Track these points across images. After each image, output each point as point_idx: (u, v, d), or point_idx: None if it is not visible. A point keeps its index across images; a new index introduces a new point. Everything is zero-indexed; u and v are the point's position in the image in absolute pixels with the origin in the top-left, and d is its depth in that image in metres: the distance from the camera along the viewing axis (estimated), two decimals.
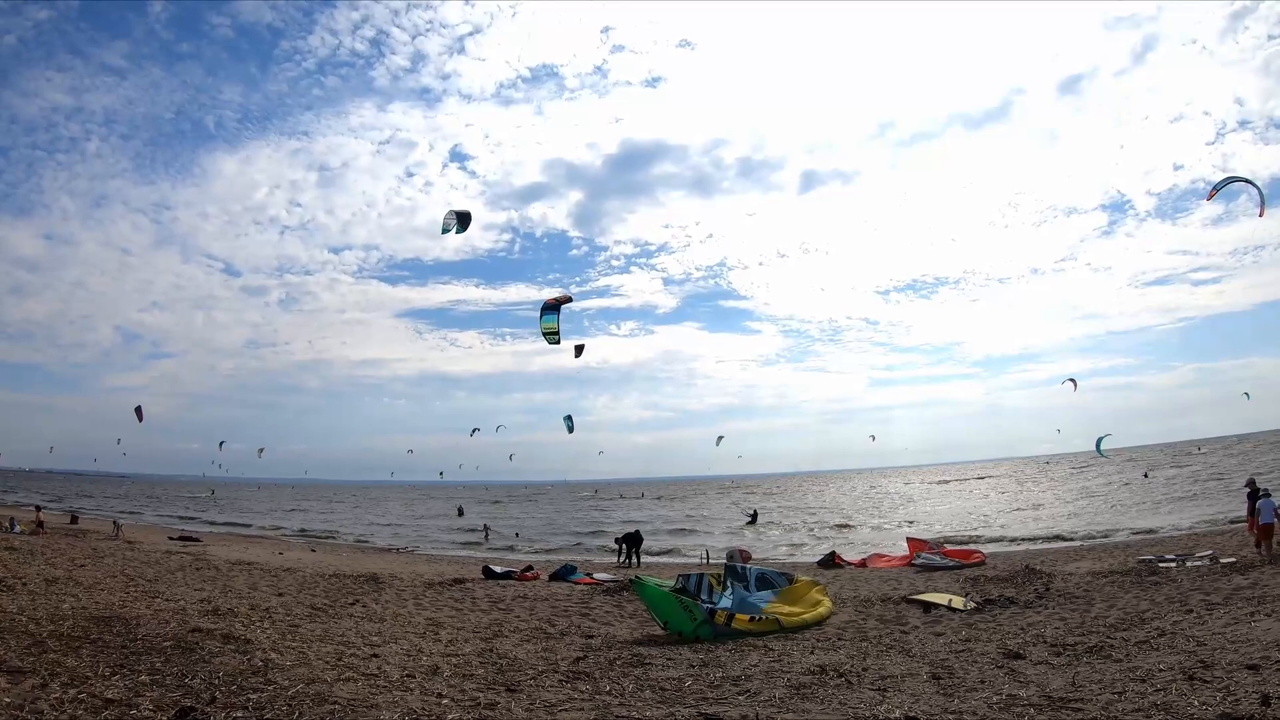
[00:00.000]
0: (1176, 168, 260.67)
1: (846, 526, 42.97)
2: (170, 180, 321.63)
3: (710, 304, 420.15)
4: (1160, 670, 7.63)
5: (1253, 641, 8.42)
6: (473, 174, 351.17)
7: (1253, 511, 16.57)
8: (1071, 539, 27.84)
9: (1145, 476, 58.90)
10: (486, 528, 45.14)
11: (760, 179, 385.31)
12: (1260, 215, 20.88)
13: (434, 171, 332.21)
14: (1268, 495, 16.29)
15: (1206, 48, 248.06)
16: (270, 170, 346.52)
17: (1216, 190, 21.54)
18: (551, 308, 19.75)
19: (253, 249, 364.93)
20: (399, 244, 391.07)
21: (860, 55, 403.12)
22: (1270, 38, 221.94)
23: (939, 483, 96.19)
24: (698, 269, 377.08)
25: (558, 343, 19.78)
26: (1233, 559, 15.68)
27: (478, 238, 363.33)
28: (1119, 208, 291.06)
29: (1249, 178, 20.89)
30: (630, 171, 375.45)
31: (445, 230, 20.05)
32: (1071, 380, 48.07)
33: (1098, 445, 44.06)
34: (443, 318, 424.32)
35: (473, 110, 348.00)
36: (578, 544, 39.03)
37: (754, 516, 48.14)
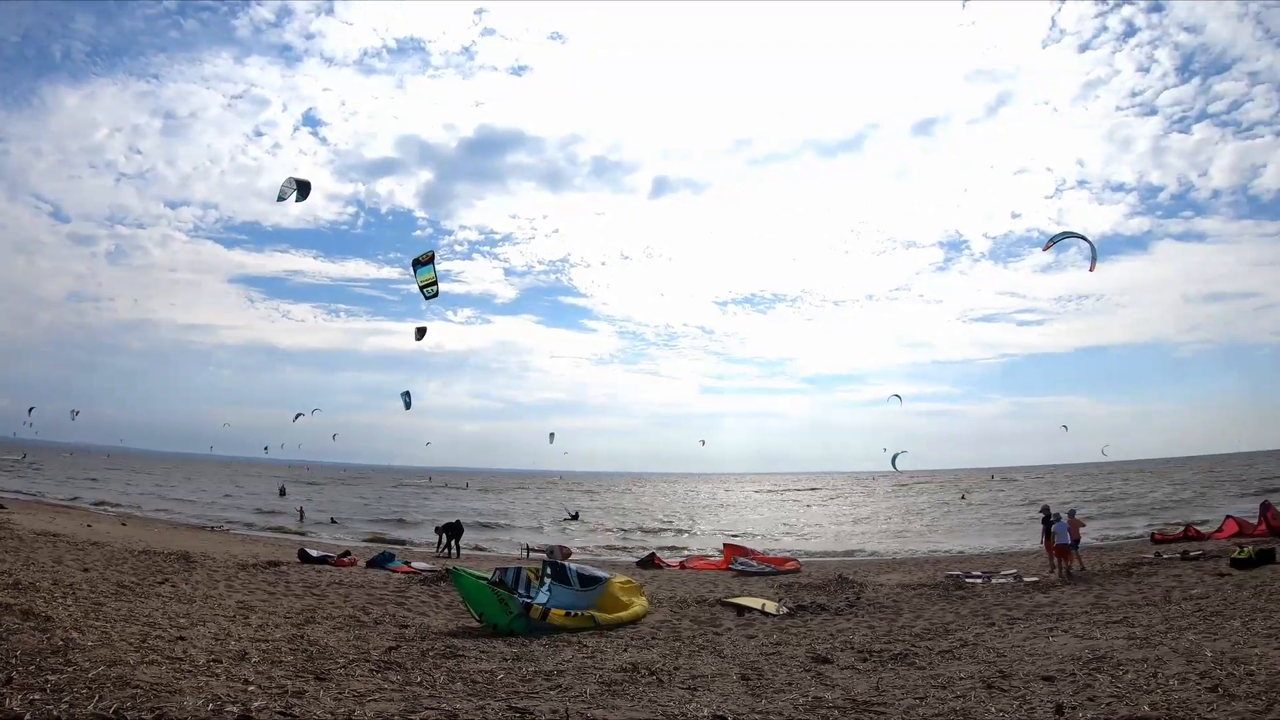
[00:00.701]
0: (1014, 215, 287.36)
1: (668, 529, 43.56)
2: (6, 109, 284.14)
3: (550, 299, 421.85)
4: (961, 679, 7.72)
5: (1050, 655, 8.70)
6: (324, 140, 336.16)
7: (1048, 534, 17.59)
8: (884, 554, 28.96)
9: (963, 499, 63.51)
10: (301, 510, 42.76)
11: (613, 179, 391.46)
12: (1091, 270, 22.16)
13: (284, 133, 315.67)
14: (1059, 519, 17.47)
15: (1058, 110, 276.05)
16: (114, 111, 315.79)
17: (1054, 242, 22.72)
18: (425, 262, 18.87)
19: (85, 194, 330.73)
20: (239, 205, 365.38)
21: (725, 71, 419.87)
22: (1118, 109, 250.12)
23: (764, 492, 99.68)
24: (540, 262, 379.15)
25: (436, 295, 18.92)
26: (1035, 578, 16.58)
27: (320, 208, 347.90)
28: (956, 246, 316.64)
29: (1085, 235, 22.32)
30: (484, 157, 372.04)
31: (282, 198, 19.18)
32: (898, 396, 50.88)
33: (893, 461, 46.73)
34: (277, 287, 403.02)
35: (332, 75, 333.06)
36: (397, 530, 37.79)
37: (575, 514, 48.82)
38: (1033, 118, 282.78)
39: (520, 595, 11.47)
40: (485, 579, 11.77)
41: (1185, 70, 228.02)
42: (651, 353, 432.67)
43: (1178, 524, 26.99)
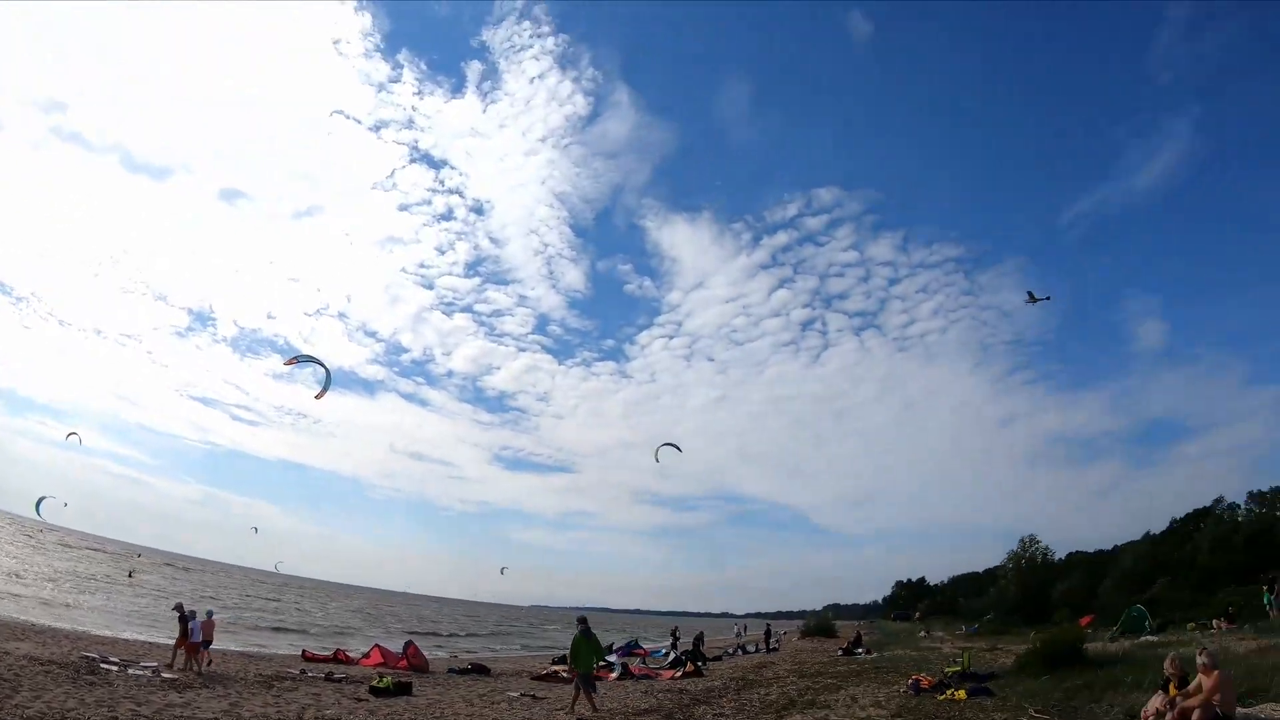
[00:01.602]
0: (270, 316, 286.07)
1: None
2: None
3: None
4: None
5: None
6: None
7: (185, 633, 17.22)
8: (22, 619, 23.75)
9: (130, 575, 57.37)
10: None
11: None
12: (318, 397, 23.88)
13: None
14: (193, 615, 17.47)
15: (356, 244, 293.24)
16: None
17: (295, 360, 24.13)
18: None
19: None
20: None
21: None
22: (403, 271, 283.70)
23: None
24: None
25: None
26: (176, 676, 15.90)
27: None
28: (204, 319, 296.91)
29: (323, 360, 23.64)
30: None
31: None
32: (76, 434, 46.10)
33: (36, 506, 41.83)
34: None
35: None
36: None
37: None
38: (340, 243, 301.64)
39: None
40: None
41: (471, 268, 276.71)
42: None
43: (331, 646, 28.76)
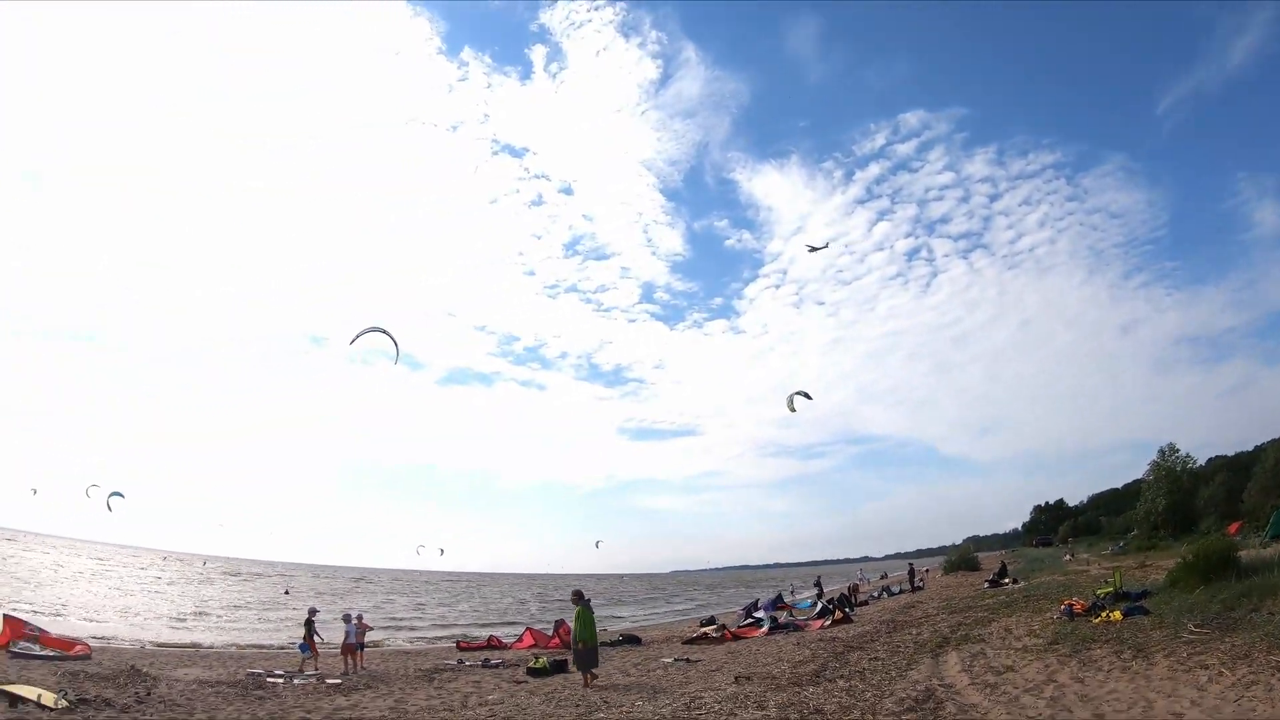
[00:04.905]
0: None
1: None
2: None
3: None
4: None
5: None
6: None
7: (310, 634, 17.96)
8: (190, 643, 25.01)
9: (286, 593, 60.03)
10: None
11: None
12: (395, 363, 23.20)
13: None
14: (348, 618, 18.24)
15: None
16: None
17: (359, 336, 22.50)
18: None
19: None
20: None
21: None
22: None
23: (49, 553, 78.88)
24: None
25: None
26: (338, 680, 16.16)
27: None
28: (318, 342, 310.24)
29: (382, 327, 22.58)
30: None
31: None
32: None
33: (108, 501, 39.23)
34: None
35: None
36: None
37: None
38: (438, 243, 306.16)
39: None
40: None
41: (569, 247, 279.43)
42: None
43: (484, 632, 29.51)
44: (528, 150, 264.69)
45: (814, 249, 70.90)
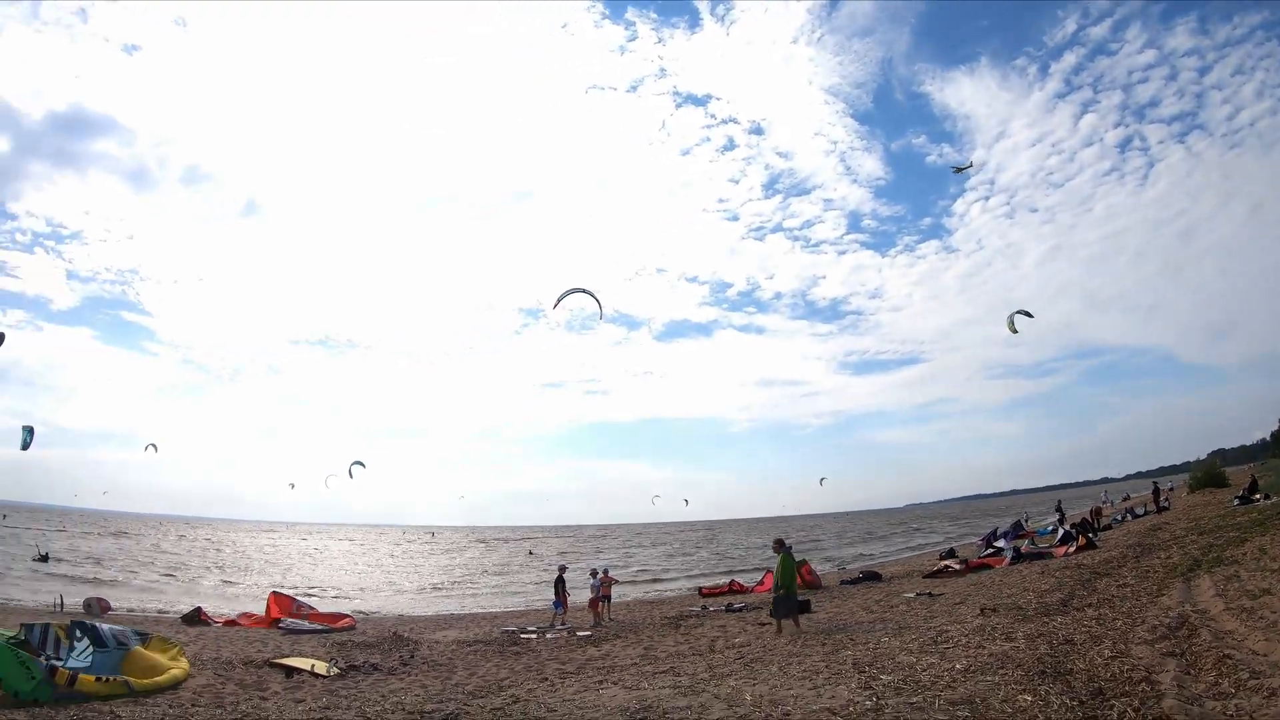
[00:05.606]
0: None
1: (221, 580, 36.86)
2: None
3: (111, 312, 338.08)
4: None
5: (599, 707, 8.57)
6: None
7: (559, 590, 18.87)
8: (444, 610, 27.30)
9: (530, 554, 64.70)
10: None
11: (201, 190, 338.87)
12: (601, 318, 23.80)
13: None
14: (595, 574, 19.17)
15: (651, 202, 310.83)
16: None
17: (560, 300, 23.47)
18: None
19: None
20: None
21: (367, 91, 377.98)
22: (704, 210, 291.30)
23: (339, 542, 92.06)
24: (109, 270, 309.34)
25: None
26: (588, 632, 16.61)
27: None
28: (534, 313, 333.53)
29: (582, 286, 24.10)
30: (70, 138, 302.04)
31: None
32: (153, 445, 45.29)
33: (350, 469, 42.53)
34: None
35: None
36: None
37: (45, 556, 40.11)
38: (637, 203, 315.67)
39: (48, 657, 9.89)
40: (7, 637, 9.86)
41: (769, 187, 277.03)
42: (214, 387, 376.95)
43: (723, 578, 29.74)
44: (711, 97, 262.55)
45: (959, 169, 67.98)
